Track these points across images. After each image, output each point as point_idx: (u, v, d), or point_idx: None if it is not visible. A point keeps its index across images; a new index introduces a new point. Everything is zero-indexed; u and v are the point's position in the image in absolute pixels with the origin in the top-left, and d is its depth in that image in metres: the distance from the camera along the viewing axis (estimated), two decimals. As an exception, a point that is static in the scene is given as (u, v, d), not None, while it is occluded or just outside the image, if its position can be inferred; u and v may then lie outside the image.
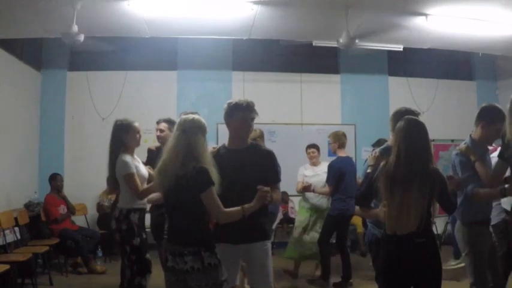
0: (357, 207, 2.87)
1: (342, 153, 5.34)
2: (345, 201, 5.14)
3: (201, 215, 2.50)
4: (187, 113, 2.72)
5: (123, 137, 3.62)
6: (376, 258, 3.19)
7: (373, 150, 3.48)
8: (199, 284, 2.41)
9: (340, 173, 5.16)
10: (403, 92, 8.11)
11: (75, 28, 5.04)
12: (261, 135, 4.47)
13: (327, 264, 5.20)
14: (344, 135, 5.42)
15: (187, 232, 2.49)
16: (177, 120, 2.67)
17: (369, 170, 3.06)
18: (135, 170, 3.52)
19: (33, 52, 7.25)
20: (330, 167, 5.26)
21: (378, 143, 5.12)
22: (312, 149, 5.70)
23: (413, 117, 2.77)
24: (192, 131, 2.53)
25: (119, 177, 3.57)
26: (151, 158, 4.13)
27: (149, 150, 4.42)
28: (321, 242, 5.22)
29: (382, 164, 2.64)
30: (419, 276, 2.52)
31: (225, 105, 2.90)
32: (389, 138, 3.22)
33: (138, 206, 3.58)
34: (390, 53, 7.87)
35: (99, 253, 6.23)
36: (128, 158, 3.54)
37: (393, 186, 2.52)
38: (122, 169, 3.52)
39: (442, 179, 2.59)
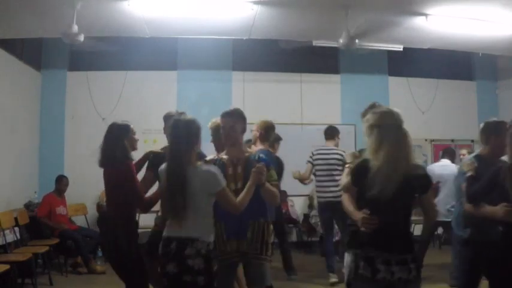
0: (468, 205, 2.91)
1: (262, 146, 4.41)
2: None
3: (410, 219, 2.45)
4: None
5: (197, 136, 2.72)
6: (463, 258, 3.28)
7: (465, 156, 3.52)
8: None
9: None
10: (403, 92, 8.12)
11: (75, 28, 5.05)
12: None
13: None
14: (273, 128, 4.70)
15: (405, 238, 2.39)
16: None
17: (470, 173, 3.10)
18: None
19: (33, 52, 7.25)
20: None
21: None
22: None
23: None
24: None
25: (202, 195, 2.59)
26: (157, 164, 3.16)
27: (155, 156, 3.58)
28: None
29: (507, 166, 2.68)
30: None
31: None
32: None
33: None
34: (390, 53, 7.87)
35: (99, 253, 6.23)
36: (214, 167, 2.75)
37: None
38: (216, 183, 2.59)
39: None
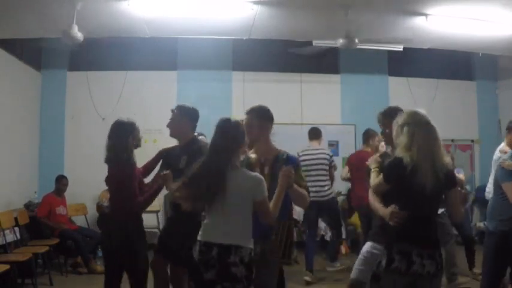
0: None
1: None
2: None
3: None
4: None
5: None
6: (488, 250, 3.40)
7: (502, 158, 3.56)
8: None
9: None
10: (403, 92, 8.11)
11: (75, 28, 5.05)
12: None
13: None
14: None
15: (434, 233, 2.49)
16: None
17: None
18: None
19: (33, 52, 7.25)
20: None
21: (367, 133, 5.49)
22: None
23: None
24: None
25: (247, 201, 2.49)
26: (169, 163, 3.46)
27: (168, 154, 3.60)
28: None
29: None
30: None
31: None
32: None
33: None
34: (390, 53, 7.87)
35: (99, 253, 6.23)
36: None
37: None
38: (263, 189, 2.50)
39: None
